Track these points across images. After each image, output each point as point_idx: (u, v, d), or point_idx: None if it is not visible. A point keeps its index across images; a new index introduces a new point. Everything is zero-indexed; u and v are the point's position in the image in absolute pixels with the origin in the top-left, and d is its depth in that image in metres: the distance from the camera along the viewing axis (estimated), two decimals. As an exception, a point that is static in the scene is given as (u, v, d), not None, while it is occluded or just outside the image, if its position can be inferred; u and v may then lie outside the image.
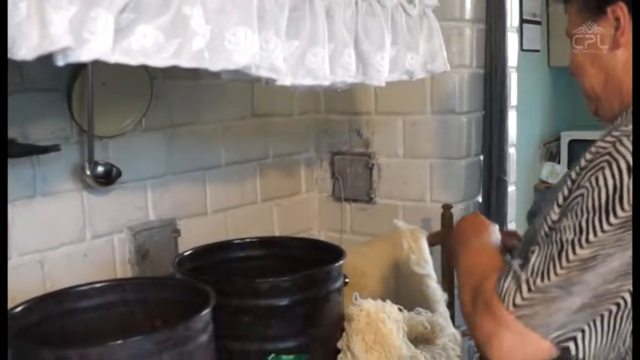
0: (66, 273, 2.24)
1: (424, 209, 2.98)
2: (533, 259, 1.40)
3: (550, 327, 1.37)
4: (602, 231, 1.34)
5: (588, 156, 1.43)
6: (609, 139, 1.41)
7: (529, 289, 1.37)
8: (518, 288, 1.38)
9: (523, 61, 3.22)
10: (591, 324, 1.39)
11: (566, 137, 5.00)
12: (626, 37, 1.55)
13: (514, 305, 1.37)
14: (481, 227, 1.82)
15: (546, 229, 1.45)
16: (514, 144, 3.17)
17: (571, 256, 1.35)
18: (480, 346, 1.46)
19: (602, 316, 1.39)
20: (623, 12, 1.54)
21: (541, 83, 4.94)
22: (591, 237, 1.34)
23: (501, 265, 1.50)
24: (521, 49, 4.23)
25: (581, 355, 1.40)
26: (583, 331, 1.39)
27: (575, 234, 1.36)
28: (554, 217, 1.44)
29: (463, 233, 1.81)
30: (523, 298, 1.37)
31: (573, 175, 1.44)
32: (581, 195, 1.39)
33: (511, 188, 3.11)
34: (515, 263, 1.43)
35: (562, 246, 1.37)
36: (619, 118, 1.55)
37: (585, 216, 1.36)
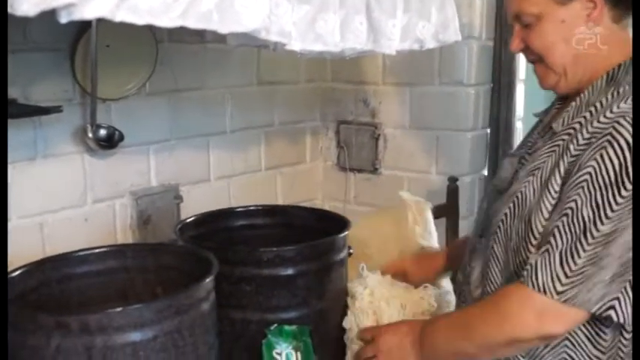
0: (66, 237, 2.22)
1: (429, 181, 2.95)
2: (557, 242, 1.52)
3: (591, 302, 1.50)
4: (617, 204, 1.47)
5: (586, 135, 1.57)
6: (604, 120, 1.55)
7: (566, 275, 1.50)
8: (556, 276, 1.51)
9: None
10: (623, 291, 1.50)
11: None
12: (598, 14, 1.64)
13: (557, 292, 1.50)
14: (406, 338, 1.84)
15: (551, 200, 1.59)
16: (521, 118, 3.13)
17: (595, 233, 1.49)
18: (529, 342, 1.60)
19: (629, 282, 1.50)
20: None
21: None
22: (609, 212, 1.48)
23: (502, 288, 1.68)
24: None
25: (622, 320, 1.52)
26: (618, 298, 1.50)
27: (593, 211, 1.49)
28: (556, 187, 1.59)
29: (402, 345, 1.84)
30: (563, 284, 1.50)
31: (572, 150, 1.58)
32: (589, 173, 1.51)
33: (518, 162, 3.08)
34: (532, 257, 1.57)
35: (584, 225, 1.49)
36: (585, 91, 1.68)
37: (599, 192, 1.49)
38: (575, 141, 1.59)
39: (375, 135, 3.07)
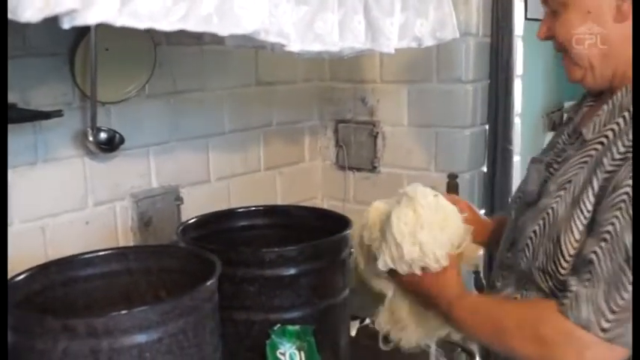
0: (67, 240, 2.23)
1: (428, 178, 2.95)
2: (599, 270, 1.41)
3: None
4: None
5: (621, 148, 1.46)
6: None
7: (612, 311, 1.39)
8: (600, 312, 1.39)
9: (527, 30, 3.18)
10: None
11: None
12: (628, 8, 1.52)
13: (602, 330, 1.39)
14: (444, 282, 1.74)
15: (583, 220, 1.48)
16: (519, 113, 3.14)
17: None
18: None
19: None
20: None
21: (544, 52, 4.89)
22: None
23: (541, 300, 1.56)
24: (526, 17, 4.18)
25: None
26: None
27: (634, 236, 1.37)
28: (589, 206, 1.47)
29: (439, 295, 1.73)
30: (608, 320, 1.39)
31: (607, 164, 1.46)
32: (627, 193, 1.39)
33: (516, 158, 3.09)
34: (574, 283, 1.44)
35: (626, 252, 1.38)
36: (618, 92, 1.56)
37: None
38: (609, 154, 1.48)
39: (373, 133, 3.07)
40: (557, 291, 1.51)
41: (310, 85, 3.15)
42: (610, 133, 1.52)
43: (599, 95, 1.68)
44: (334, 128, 3.19)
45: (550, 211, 1.56)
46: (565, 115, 1.86)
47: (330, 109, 3.20)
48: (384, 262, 1.76)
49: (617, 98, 1.56)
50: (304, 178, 3.19)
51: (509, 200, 2.14)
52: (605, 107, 1.57)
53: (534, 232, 1.59)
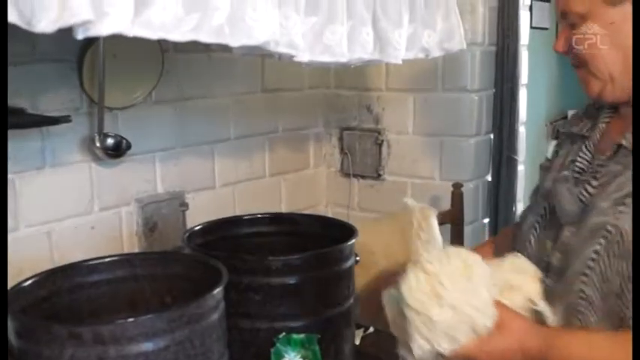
0: (73, 245, 2.24)
1: (433, 187, 2.96)
2: None
3: None
4: None
5: None
6: None
7: None
8: None
9: (531, 39, 3.20)
10: None
11: (573, 115, 4.96)
12: None
13: None
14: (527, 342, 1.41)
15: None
16: (524, 122, 3.15)
17: None
18: None
19: None
20: None
21: (548, 61, 4.90)
22: None
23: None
24: (531, 26, 4.20)
25: None
26: None
27: None
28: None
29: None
30: None
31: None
32: None
33: (521, 167, 3.09)
34: None
35: None
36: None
37: None
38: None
39: (378, 141, 3.08)
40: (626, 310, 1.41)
41: (316, 93, 3.16)
42: None
43: (614, 108, 1.64)
44: (339, 135, 3.20)
45: (611, 228, 1.46)
46: (566, 127, 1.79)
47: (335, 116, 3.21)
48: (419, 348, 1.39)
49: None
50: (309, 185, 3.20)
51: (517, 223, 1.92)
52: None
53: (596, 252, 1.48)
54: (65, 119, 2.09)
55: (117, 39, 1.41)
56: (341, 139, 3.20)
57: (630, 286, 1.40)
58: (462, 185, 2.79)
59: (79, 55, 2.16)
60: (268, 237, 2.32)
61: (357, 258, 2.13)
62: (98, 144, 2.24)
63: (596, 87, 1.57)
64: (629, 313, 1.41)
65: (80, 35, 1.25)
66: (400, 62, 2.08)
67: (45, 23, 1.18)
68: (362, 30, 1.92)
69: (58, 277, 1.78)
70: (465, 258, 1.44)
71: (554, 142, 1.83)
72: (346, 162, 3.19)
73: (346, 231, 2.11)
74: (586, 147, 1.65)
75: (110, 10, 1.26)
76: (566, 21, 1.57)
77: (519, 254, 1.58)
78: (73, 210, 2.27)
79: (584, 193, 1.56)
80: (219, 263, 1.76)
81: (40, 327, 1.49)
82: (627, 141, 1.51)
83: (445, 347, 1.37)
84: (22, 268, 1.77)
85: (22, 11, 1.19)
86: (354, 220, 2.47)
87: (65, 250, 2.21)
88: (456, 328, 1.36)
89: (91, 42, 2.12)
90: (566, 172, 1.66)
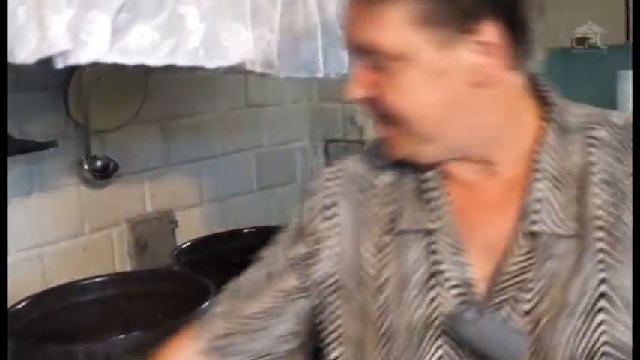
0: (65, 267, 2.26)
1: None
2: None
3: None
4: None
5: None
6: None
7: None
8: None
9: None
10: None
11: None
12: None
13: None
14: None
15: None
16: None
17: None
18: None
19: None
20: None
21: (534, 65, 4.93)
22: None
23: None
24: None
25: None
26: None
27: None
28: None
29: None
30: None
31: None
32: None
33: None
34: None
35: None
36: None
37: None
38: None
39: (363, 152, 3.09)
40: None
41: (299, 106, 3.18)
42: None
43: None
44: (324, 148, 3.22)
45: None
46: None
47: (319, 129, 3.22)
48: None
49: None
50: (297, 199, 3.20)
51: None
52: None
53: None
54: (52, 144, 2.12)
55: (100, 63, 1.45)
56: (326, 151, 3.21)
57: None
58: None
59: (64, 80, 2.19)
60: (257, 252, 2.34)
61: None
62: (86, 167, 2.27)
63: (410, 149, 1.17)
64: None
65: (59, 65, 1.29)
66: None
67: (25, 54, 1.22)
68: (337, 45, 1.95)
69: (52, 298, 1.82)
70: None
71: None
72: (333, 174, 3.20)
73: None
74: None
75: (88, 39, 1.30)
76: (367, 60, 1.13)
77: None
78: (64, 233, 2.29)
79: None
80: (207, 280, 1.80)
81: (35, 347, 1.53)
82: (541, 223, 1.07)
83: None
84: (15, 293, 1.79)
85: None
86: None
87: (58, 272, 2.22)
88: None
89: (75, 68, 2.15)
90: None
